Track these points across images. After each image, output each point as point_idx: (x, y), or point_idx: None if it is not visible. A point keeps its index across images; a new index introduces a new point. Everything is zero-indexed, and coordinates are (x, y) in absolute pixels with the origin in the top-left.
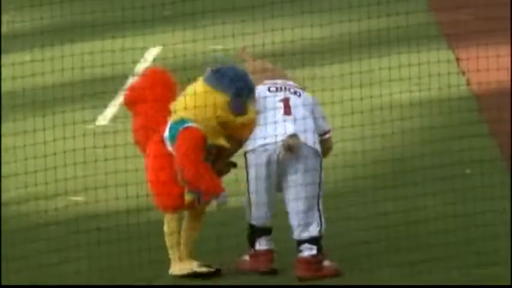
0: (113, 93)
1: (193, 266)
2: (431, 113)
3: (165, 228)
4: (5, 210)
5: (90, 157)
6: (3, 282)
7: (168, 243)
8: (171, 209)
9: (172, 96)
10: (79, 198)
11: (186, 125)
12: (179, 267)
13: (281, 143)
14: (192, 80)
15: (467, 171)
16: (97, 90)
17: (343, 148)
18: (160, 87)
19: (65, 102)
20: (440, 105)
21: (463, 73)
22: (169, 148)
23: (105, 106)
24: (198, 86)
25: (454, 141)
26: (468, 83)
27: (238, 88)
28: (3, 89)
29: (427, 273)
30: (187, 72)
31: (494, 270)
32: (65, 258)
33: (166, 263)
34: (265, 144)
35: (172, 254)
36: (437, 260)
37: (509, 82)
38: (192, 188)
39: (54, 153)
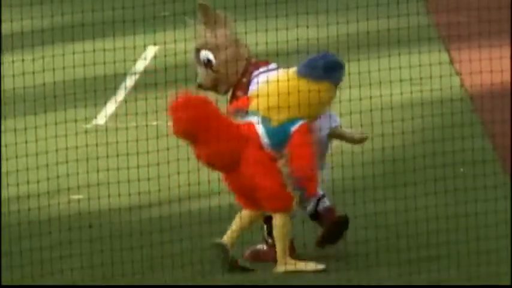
0: (113, 91)
1: (301, 264)
2: (432, 114)
3: (280, 230)
4: (6, 205)
5: (91, 154)
6: (4, 276)
7: (282, 244)
8: (289, 210)
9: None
10: (80, 196)
11: (299, 123)
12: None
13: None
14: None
15: (461, 169)
16: (97, 88)
17: (342, 148)
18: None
19: (66, 100)
20: (439, 106)
21: (459, 75)
22: (271, 152)
23: (105, 104)
24: (294, 82)
25: (451, 141)
26: (463, 85)
27: (341, 75)
28: (5, 87)
29: (425, 272)
30: (184, 70)
31: (493, 269)
32: (66, 254)
33: (163, 260)
34: None
35: (284, 254)
36: (437, 259)
37: (505, 84)
38: (303, 185)
39: (56, 150)
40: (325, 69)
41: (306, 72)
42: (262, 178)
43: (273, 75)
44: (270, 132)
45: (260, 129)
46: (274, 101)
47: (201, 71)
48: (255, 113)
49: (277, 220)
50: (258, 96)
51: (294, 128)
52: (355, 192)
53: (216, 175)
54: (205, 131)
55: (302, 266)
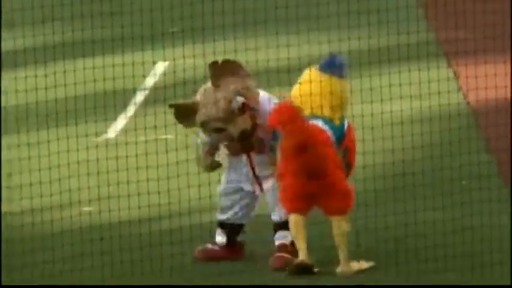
0: (123, 106)
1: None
2: (432, 131)
3: (343, 232)
4: (19, 219)
5: (101, 168)
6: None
7: (347, 245)
8: (351, 208)
9: None
10: (91, 208)
11: (345, 120)
12: (349, 266)
13: None
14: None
15: (463, 182)
16: (108, 103)
17: (355, 162)
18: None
19: (77, 115)
20: (445, 122)
21: (462, 91)
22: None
23: (116, 119)
24: (333, 83)
25: (453, 157)
26: (467, 101)
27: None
28: (18, 102)
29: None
30: (193, 85)
31: (494, 282)
32: (78, 267)
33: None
34: None
35: (345, 253)
36: (436, 273)
37: (506, 100)
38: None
39: (68, 164)
40: (343, 66)
41: (331, 71)
42: (340, 178)
43: (304, 77)
44: (335, 131)
45: (327, 129)
46: (328, 100)
47: (240, 118)
48: (315, 114)
49: (342, 222)
50: (303, 97)
51: (347, 124)
52: (358, 207)
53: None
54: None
55: (364, 265)
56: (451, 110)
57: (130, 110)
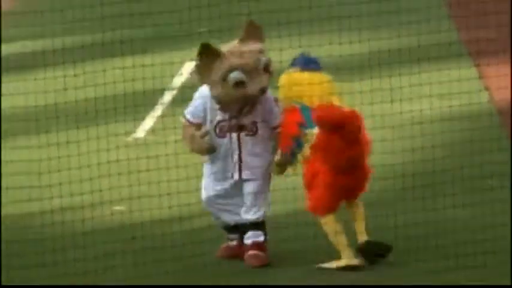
0: (152, 106)
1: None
2: (453, 130)
3: (361, 208)
4: (50, 217)
5: (132, 168)
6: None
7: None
8: None
9: None
10: (121, 208)
11: None
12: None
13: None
14: None
15: (489, 181)
16: (137, 103)
17: (374, 161)
18: None
19: (107, 115)
20: (462, 122)
21: (485, 90)
22: None
23: (145, 118)
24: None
25: (474, 155)
26: (491, 100)
27: None
28: (48, 101)
29: (453, 282)
30: None
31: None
32: (110, 265)
33: (204, 270)
34: None
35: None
36: (464, 269)
37: None
38: None
39: (98, 164)
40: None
41: (316, 67)
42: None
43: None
44: None
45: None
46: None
47: (264, 77)
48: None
49: (359, 203)
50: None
51: None
52: (377, 205)
53: None
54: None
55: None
56: (474, 110)
57: (159, 109)
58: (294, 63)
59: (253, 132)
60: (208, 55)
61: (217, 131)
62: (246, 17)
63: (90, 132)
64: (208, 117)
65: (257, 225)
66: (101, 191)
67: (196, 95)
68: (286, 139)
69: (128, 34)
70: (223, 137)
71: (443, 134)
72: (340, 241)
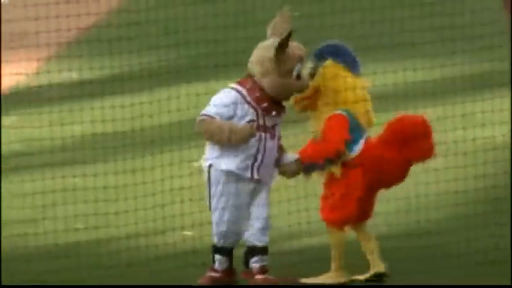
0: None
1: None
2: None
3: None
4: (117, 244)
5: (198, 194)
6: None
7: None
8: None
9: None
10: (192, 233)
11: None
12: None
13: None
14: None
15: None
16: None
17: (447, 188)
18: None
19: (177, 141)
20: None
21: None
22: None
23: None
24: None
25: None
26: None
27: None
28: (116, 129)
29: None
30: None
31: None
32: None
33: None
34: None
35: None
36: None
37: None
38: None
39: (162, 191)
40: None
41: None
42: None
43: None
44: None
45: None
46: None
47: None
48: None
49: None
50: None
51: None
52: (449, 232)
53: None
54: None
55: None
56: None
57: None
58: (319, 53)
59: (273, 136)
60: (284, 47)
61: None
62: (311, 47)
63: (156, 160)
64: (235, 120)
65: (266, 249)
66: (173, 216)
67: (219, 99)
68: (331, 144)
69: (202, 61)
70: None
71: None
72: (338, 261)
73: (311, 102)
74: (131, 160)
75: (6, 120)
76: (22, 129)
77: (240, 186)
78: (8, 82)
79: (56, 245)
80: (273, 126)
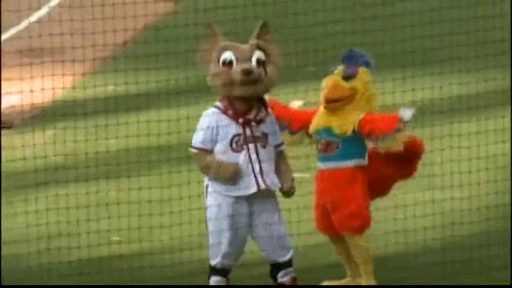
0: None
1: None
2: None
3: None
4: (160, 257)
5: None
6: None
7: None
8: None
9: None
10: None
11: None
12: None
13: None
14: None
15: None
16: None
17: (487, 202)
18: None
19: None
20: None
21: None
22: None
23: None
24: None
25: None
26: None
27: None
28: (151, 144)
29: None
30: None
31: None
32: None
33: None
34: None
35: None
36: None
37: None
38: None
39: (199, 208)
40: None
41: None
42: None
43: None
44: None
45: None
46: None
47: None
48: None
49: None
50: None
51: None
52: (491, 246)
53: None
54: None
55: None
56: None
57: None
58: (345, 60)
59: (265, 144)
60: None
61: (234, 145)
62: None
63: (195, 174)
64: (220, 137)
65: (290, 262)
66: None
67: (201, 123)
68: (391, 117)
69: None
70: (240, 150)
71: None
72: (370, 264)
73: (344, 104)
74: (167, 175)
75: (43, 135)
76: (58, 143)
77: (236, 206)
78: (45, 97)
79: (89, 259)
80: (265, 135)
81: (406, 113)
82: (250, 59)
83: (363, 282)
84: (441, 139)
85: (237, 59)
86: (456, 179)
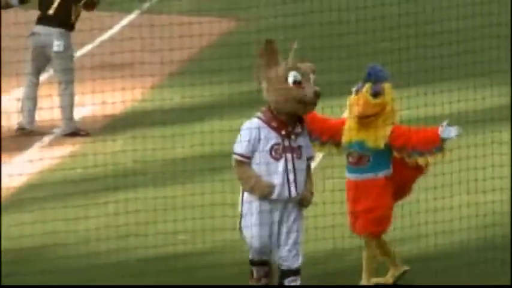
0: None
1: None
2: None
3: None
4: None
5: None
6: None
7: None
8: None
9: None
10: None
11: None
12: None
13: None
14: None
15: None
16: None
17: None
18: None
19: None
20: None
21: None
22: None
23: None
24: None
25: None
26: None
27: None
28: (214, 152)
29: None
30: None
31: None
32: None
33: None
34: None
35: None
36: None
37: None
38: None
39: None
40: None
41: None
42: None
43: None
44: None
45: None
46: None
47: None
48: None
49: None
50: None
51: None
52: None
53: None
54: None
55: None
56: None
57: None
58: (372, 77)
59: (300, 156)
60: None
61: (273, 153)
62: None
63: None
64: (261, 146)
65: (299, 270)
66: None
67: (244, 132)
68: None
69: None
70: (279, 158)
71: None
72: (394, 259)
73: (374, 119)
74: (230, 181)
75: (114, 144)
76: (128, 152)
77: (270, 204)
78: (117, 108)
79: (156, 258)
80: (300, 147)
81: (451, 133)
82: (310, 80)
83: (363, 281)
84: (484, 146)
85: (303, 79)
86: (497, 183)
